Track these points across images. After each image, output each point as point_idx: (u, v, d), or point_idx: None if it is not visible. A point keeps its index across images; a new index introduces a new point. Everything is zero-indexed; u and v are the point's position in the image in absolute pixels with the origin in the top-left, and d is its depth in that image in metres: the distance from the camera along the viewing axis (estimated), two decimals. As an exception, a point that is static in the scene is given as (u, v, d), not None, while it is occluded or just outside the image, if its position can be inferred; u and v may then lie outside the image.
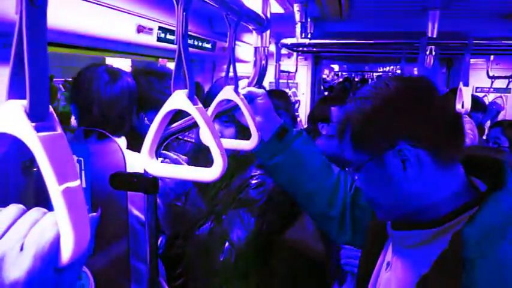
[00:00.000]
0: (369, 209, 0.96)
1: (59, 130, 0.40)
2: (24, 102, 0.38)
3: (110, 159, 1.45)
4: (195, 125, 1.30)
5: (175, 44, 0.64)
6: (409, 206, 0.83)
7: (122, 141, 1.58)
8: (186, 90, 0.66)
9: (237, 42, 3.10)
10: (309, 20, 2.33)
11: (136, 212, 1.55)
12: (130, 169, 1.46)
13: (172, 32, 2.16)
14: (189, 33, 2.37)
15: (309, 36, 2.35)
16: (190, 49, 0.68)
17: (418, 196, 0.81)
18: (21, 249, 0.37)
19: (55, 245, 0.38)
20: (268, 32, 1.24)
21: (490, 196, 0.75)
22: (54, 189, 0.38)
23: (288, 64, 4.50)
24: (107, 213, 1.41)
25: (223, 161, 0.67)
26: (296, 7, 2.22)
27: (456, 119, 0.83)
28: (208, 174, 0.69)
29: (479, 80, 4.50)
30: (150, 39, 2.00)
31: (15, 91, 0.39)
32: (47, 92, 0.39)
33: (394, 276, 0.86)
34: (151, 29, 1.97)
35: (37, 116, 0.38)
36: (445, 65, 5.39)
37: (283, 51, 4.07)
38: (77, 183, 0.40)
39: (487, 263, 0.70)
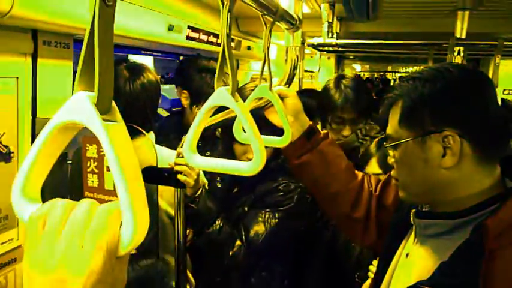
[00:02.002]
0: (394, 211, 0.96)
1: (121, 121, 0.42)
2: (92, 94, 0.40)
3: (142, 153, 1.49)
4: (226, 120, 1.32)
5: (219, 44, 0.66)
6: (436, 193, 0.83)
7: (151, 137, 1.62)
8: (229, 87, 0.68)
9: (253, 40, 3.11)
10: (335, 19, 2.33)
11: (165, 206, 1.58)
12: (160, 164, 1.49)
13: (200, 31, 2.19)
14: (216, 32, 2.40)
15: (334, 36, 2.35)
16: (215, 47, 0.69)
17: (448, 186, 0.81)
18: (85, 244, 0.38)
19: (115, 237, 0.39)
20: (299, 31, 1.25)
21: None
22: (119, 176, 0.39)
23: (310, 64, 4.49)
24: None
25: (263, 156, 0.69)
26: (324, 7, 2.22)
27: (507, 120, 0.82)
28: (248, 168, 0.70)
29: (507, 82, 4.39)
30: (180, 38, 2.03)
31: (83, 83, 0.41)
32: (112, 85, 0.41)
33: (414, 265, 0.86)
34: (181, 28, 2.00)
35: (103, 107, 0.40)
36: (471, 64, 5.29)
37: (306, 50, 4.06)
38: (138, 171, 0.41)
39: (506, 255, 0.71)
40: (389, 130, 0.87)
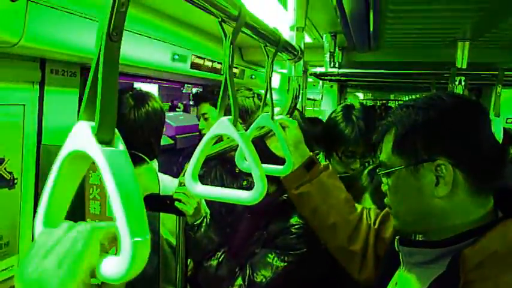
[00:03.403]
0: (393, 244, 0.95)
1: (124, 149, 0.43)
2: (93, 124, 0.42)
3: (144, 181, 1.49)
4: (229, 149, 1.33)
5: (222, 74, 0.68)
6: (428, 222, 0.82)
7: (154, 164, 1.63)
8: (231, 117, 0.69)
9: (256, 69, 3.16)
10: (337, 49, 2.37)
11: (166, 235, 1.57)
12: (163, 191, 1.49)
13: (204, 60, 2.24)
14: (220, 60, 2.45)
15: (336, 65, 2.39)
16: (219, 76, 0.71)
17: (441, 215, 0.80)
18: (61, 264, 0.39)
19: (91, 264, 0.40)
20: (301, 61, 1.27)
21: (500, 222, 0.74)
22: (117, 204, 0.39)
23: (313, 92, 4.54)
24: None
25: (264, 185, 0.69)
26: (325, 37, 2.27)
27: (502, 152, 0.82)
28: (249, 196, 0.71)
29: (509, 110, 4.41)
30: (184, 67, 2.08)
31: (88, 113, 0.42)
32: (114, 115, 0.42)
33: None
34: (185, 57, 2.05)
35: (104, 136, 0.41)
36: (473, 94, 5.33)
37: (309, 79, 4.12)
38: (139, 200, 0.42)
39: None
40: (383, 157, 0.87)
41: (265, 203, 1.40)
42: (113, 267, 0.40)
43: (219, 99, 0.69)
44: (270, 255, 1.34)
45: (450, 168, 0.77)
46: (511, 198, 0.82)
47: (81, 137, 0.42)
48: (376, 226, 1.17)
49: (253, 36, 0.78)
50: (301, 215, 1.36)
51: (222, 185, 1.81)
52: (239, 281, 1.34)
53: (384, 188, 0.89)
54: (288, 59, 1.20)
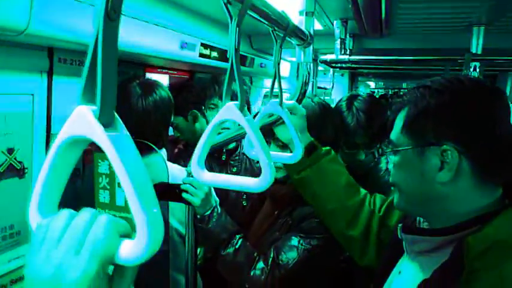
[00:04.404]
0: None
1: (125, 132, 0.42)
2: (94, 107, 0.40)
3: (153, 170, 1.49)
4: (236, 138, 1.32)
5: (228, 59, 0.66)
6: (428, 206, 0.81)
7: (163, 153, 1.62)
8: (237, 102, 0.68)
9: (266, 58, 3.13)
10: (348, 36, 2.33)
11: (176, 224, 1.57)
12: (172, 181, 1.49)
13: (212, 48, 2.22)
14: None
15: (347, 52, 2.35)
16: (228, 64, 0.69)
17: (441, 201, 0.79)
18: (78, 252, 0.38)
19: (113, 247, 0.39)
20: (311, 47, 1.25)
21: (504, 211, 0.72)
22: (128, 186, 0.39)
23: (323, 81, 4.50)
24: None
25: (271, 172, 0.68)
26: (336, 24, 2.23)
27: None
28: (256, 184, 0.69)
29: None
30: (192, 55, 2.06)
31: (86, 97, 0.41)
32: (114, 97, 0.41)
33: (405, 282, 0.84)
34: (194, 45, 2.03)
35: (106, 120, 0.40)
36: (488, 81, 5.22)
37: (320, 67, 4.07)
38: (147, 180, 0.41)
39: (490, 277, 0.67)
40: (392, 135, 0.86)
41: (284, 192, 1.41)
42: (130, 250, 0.40)
43: (225, 85, 0.67)
44: (295, 238, 1.34)
45: (456, 155, 0.75)
46: None
47: (83, 121, 0.41)
48: (381, 213, 1.16)
49: (261, 19, 0.76)
50: None
51: None
52: (260, 264, 1.33)
53: (390, 166, 0.88)
54: (297, 45, 1.18)
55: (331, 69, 4.36)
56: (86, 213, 0.41)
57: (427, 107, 0.79)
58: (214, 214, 1.45)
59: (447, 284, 0.70)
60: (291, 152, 1.17)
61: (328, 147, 1.26)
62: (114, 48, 0.40)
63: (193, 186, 1.35)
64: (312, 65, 1.25)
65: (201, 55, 2.13)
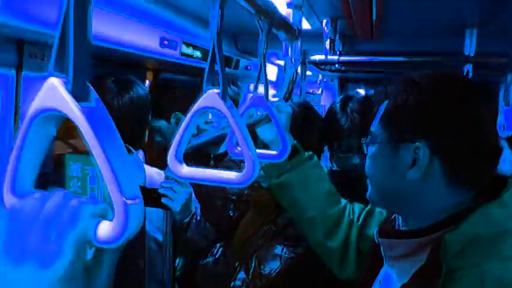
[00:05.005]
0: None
1: (101, 105, 0.41)
2: (66, 79, 0.40)
3: (129, 173, 1.47)
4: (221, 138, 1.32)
5: (210, 44, 0.66)
6: (400, 201, 0.83)
7: (139, 155, 1.61)
8: (219, 90, 0.68)
9: (251, 60, 3.15)
10: (337, 37, 2.36)
11: (153, 231, 1.55)
12: (149, 185, 1.48)
13: (195, 47, 2.22)
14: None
15: (337, 53, 2.38)
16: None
17: (413, 197, 0.80)
18: (54, 236, 0.38)
19: (87, 230, 0.39)
20: (299, 43, 1.26)
21: (481, 206, 0.73)
22: (104, 164, 0.39)
23: (312, 86, 4.53)
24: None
25: (255, 166, 0.68)
26: (325, 23, 2.26)
27: (494, 150, 0.79)
28: (239, 179, 0.69)
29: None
30: (174, 54, 2.06)
31: (57, 67, 0.41)
32: (88, 68, 0.41)
33: None
34: (175, 43, 2.03)
35: (79, 92, 0.40)
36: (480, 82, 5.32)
37: (308, 73, 4.11)
38: (125, 156, 0.41)
39: (469, 276, 0.68)
40: (372, 126, 0.87)
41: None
42: (108, 231, 0.39)
43: (207, 70, 0.68)
44: (278, 246, 1.33)
45: (427, 154, 0.76)
46: (495, 181, 0.81)
47: (54, 94, 0.40)
48: (359, 223, 1.17)
49: (245, 5, 0.76)
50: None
51: None
52: (241, 274, 1.33)
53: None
54: (285, 39, 1.19)
55: (320, 75, 4.40)
56: (59, 194, 0.41)
57: (406, 102, 0.80)
58: (193, 221, 1.44)
59: (426, 286, 0.71)
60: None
61: (310, 152, 1.27)
62: (86, 12, 0.40)
63: (173, 191, 1.35)
64: (299, 62, 1.26)
65: (183, 54, 2.14)
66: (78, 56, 0.39)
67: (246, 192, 1.77)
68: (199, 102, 0.69)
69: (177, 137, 0.71)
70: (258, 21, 0.90)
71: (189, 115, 0.70)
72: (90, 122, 0.39)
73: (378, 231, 0.88)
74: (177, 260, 1.67)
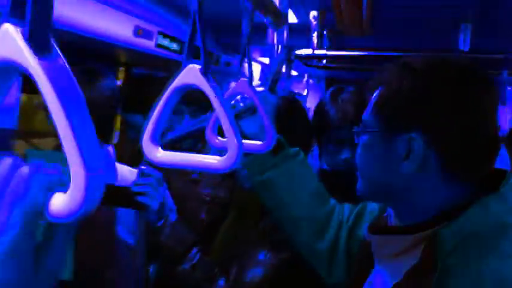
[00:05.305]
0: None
1: (61, 61, 0.39)
2: (23, 27, 0.38)
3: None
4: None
5: (191, 17, 0.64)
6: (391, 195, 0.82)
7: (109, 150, 1.56)
8: (200, 66, 0.65)
9: (231, 56, 3.14)
10: (325, 31, 2.37)
11: (124, 234, 1.51)
12: (120, 184, 1.44)
13: (172, 39, 2.20)
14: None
15: (325, 48, 2.38)
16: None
17: (406, 192, 0.79)
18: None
19: (38, 200, 0.37)
20: (285, 30, 1.25)
21: (478, 200, 0.72)
22: (63, 124, 0.36)
23: (297, 87, 4.54)
24: (91, 234, 1.37)
25: (240, 149, 0.65)
26: (312, 15, 2.26)
27: (494, 144, 0.78)
28: (221, 163, 0.67)
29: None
30: (149, 45, 2.03)
31: (15, 13, 0.38)
32: (50, 16, 0.38)
33: None
34: (150, 33, 2.00)
35: (37, 42, 0.37)
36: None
37: (294, 72, 4.12)
38: (87, 118, 0.38)
39: (465, 274, 0.68)
40: (364, 114, 0.86)
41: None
42: (63, 202, 0.37)
43: (187, 42, 0.65)
44: (261, 251, 1.31)
45: (422, 146, 0.75)
46: (494, 174, 0.81)
47: (8, 42, 0.37)
48: (349, 223, 1.15)
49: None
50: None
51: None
52: (221, 281, 1.29)
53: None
54: (269, 23, 1.18)
55: (306, 75, 4.42)
56: (7, 161, 0.39)
57: (400, 89, 0.79)
58: (168, 224, 1.40)
59: (420, 285, 0.70)
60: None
61: (297, 148, 1.25)
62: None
63: (151, 187, 1.31)
64: (286, 50, 1.25)
65: (159, 46, 2.11)
66: (39, 1, 0.37)
67: (222, 195, 1.75)
68: (179, 78, 0.66)
69: (153, 117, 0.68)
70: (242, 2, 0.88)
71: (167, 92, 0.67)
72: (48, 75, 0.36)
73: (369, 228, 0.86)
74: (150, 267, 1.63)
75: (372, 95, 0.87)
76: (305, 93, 4.43)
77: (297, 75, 4.95)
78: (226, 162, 0.66)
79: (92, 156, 0.38)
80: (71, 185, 0.37)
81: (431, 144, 0.75)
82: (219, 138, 0.95)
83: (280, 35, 1.20)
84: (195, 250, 1.37)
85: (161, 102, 0.68)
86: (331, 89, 1.74)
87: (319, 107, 1.67)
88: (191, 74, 0.65)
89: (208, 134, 0.96)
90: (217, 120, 0.94)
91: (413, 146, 0.75)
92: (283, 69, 3.70)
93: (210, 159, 0.69)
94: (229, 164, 0.66)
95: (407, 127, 0.76)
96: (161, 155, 0.69)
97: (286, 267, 1.30)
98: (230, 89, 0.97)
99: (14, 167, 0.38)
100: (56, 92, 0.36)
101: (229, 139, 0.66)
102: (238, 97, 1.11)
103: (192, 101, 1.84)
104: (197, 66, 0.66)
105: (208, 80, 0.66)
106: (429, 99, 0.78)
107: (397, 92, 0.79)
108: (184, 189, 1.70)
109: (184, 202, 1.77)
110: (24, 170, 0.37)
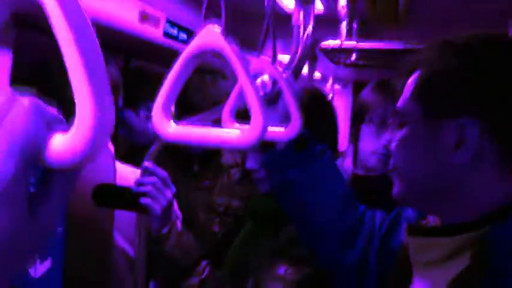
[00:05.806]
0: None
1: None
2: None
3: (96, 168, 1.43)
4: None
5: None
6: (437, 194, 0.80)
7: (108, 147, 1.57)
8: (220, 27, 0.65)
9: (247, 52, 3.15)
10: (355, 22, 2.37)
11: (122, 243, 1.50)
12: (120, 184, 1.44)
13: (181, 28, 2.22)
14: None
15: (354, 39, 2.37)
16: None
17: (456, 188, 0.77)
18: None
19: (35, 141, 0.37)
20: (313, 7, 1.25)
21: None
22: (71, 53, 0.36)
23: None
24: (84, 241, 1.37)
25: (265, 121, 0.64)
26: (341, 3, 2.26)
27: None
28: (243, 137, 0.66)
29: None
30: (155, 33, 2.06)
31: None
32: None
33: None
34: (157, 20, 2.03)
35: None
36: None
37: (317, 74, 4.12)
38: (101, 56, 0.38)
39: None
40: (400, 103, 0.85)
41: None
42: (65, 144, 0.36)
43: (204, 2, 0.65)
44: (281, 266, 1.30)
45: (477, 132, 0.73)
46: None
47: None
48: (382, 231, 1.13)
49: None
50: None
51: None
52: None
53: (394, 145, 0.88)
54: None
55: (331, 78, 4.43)
56: (2, 93, 0.39)
57: (445, 69, 0.78)
58: (173, 232, 1.40)
59: None
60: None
61: (324, 145, 1.24)
62: None
63: (154, 187, 1.31)
64: (311, 30, 1.25)
65: (166, 35, 2.13)
66: None
67: (236, 204, 1.75)
68: (196, 41, 0.66)
69: (165, 86, 0.67)
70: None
71: (181, 58, 0.67)
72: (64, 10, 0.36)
73: (408, 229, 0.84)
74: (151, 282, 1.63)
75: (406, 80, 0.86)
76: (329, 98, 4.43)
77: (320, 79, 4.95)
78: (249, 136, 0.65)
79: (102, 93, 0.37)
80: (76, 122, 0.36)
81: (487, 131, 0.73)
82: (234, 123, 0.94)
83: (307, 13, 1.20)
84: (204, 263, 1.37)
85: (175, 69, 0.67)
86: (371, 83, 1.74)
87: (358, 102, 1.68)
88: (210, 36, 0.65)
89: (225, 117, 0.95)
90: (236, 101, 0.94)
91: (466, 134, 0.74)
92: (305, 68, 3.71)
93: (230, 134, 0.68)
94: (252, 137, 0.65)
95: (456, 112, 0.75)
96: (173, 129, 0.69)
97: (309, 283, 1.29)
98: (252, 68, 0.97)
99: (13, 97, 0.38)
100: (65, 17, 0.36)
101: (253, 109, 0.65)
102: (259, 80, 1.11)
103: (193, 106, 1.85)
104: (216, 26, 0.66)
105: (230, 44, 0.65)
106: (483, 80, 0.77)
107: (442, 72, 0.78)
108: (194, 197, 1.70)
109: (194, 212, 1.77)
110: (24, 101, 0.37)
